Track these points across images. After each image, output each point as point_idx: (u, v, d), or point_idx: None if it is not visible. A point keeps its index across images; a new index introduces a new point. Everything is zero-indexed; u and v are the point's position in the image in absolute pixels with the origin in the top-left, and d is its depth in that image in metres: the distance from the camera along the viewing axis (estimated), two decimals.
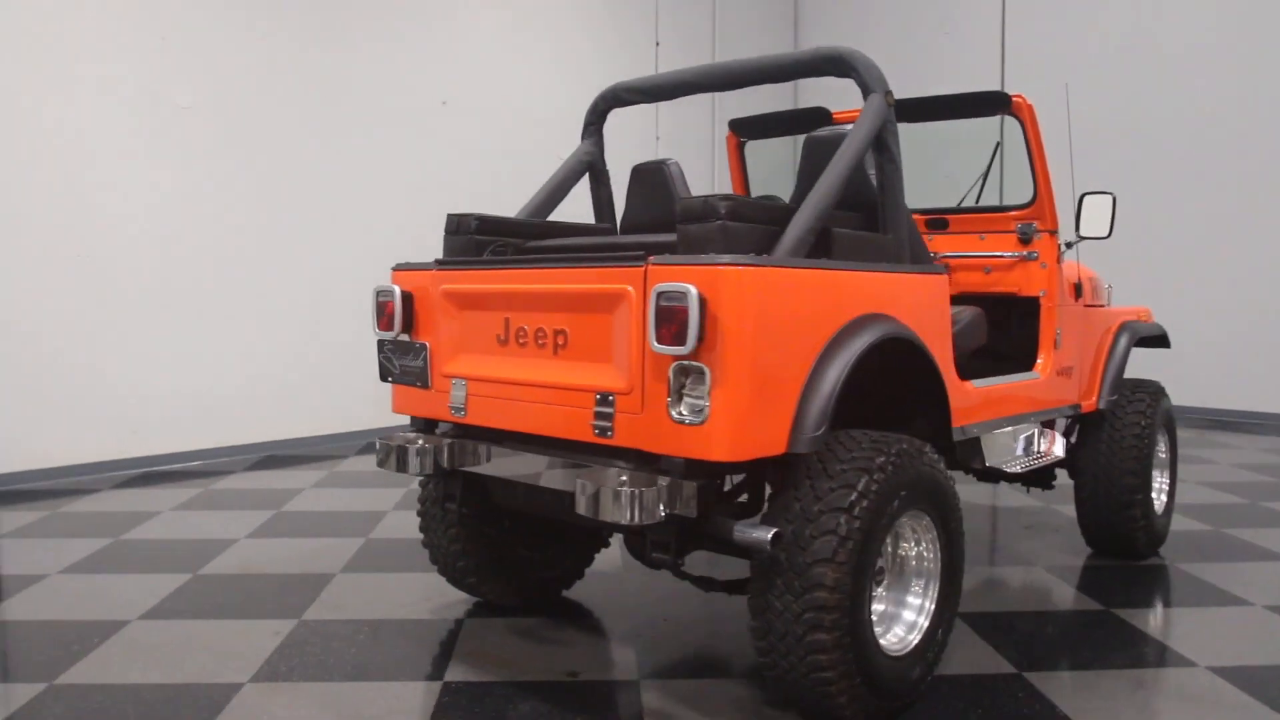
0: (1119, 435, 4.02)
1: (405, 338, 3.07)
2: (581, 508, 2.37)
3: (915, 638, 2.70)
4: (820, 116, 4.00)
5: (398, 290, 3.03)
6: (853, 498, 2.44)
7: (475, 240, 3.06)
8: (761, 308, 2.34)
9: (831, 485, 2.46)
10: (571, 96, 8.16)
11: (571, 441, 2.66)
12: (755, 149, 4.39)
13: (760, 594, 2.48)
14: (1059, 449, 3.71)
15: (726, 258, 2.32)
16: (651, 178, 3.47)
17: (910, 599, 2.79)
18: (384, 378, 3.16)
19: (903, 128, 3.90)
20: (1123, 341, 4.11)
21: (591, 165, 3.62)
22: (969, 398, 3.15)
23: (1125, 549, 4.13)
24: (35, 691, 2.76)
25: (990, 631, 3.33)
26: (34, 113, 5.52)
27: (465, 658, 3.06)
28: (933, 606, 2.76)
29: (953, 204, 4.02)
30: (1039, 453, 3.65)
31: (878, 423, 3.09)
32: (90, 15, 5.71)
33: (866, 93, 2.88)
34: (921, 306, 2.89)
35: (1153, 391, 4.13)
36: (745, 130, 4.21)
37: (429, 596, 3.65)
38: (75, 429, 5.74)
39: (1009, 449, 3.49)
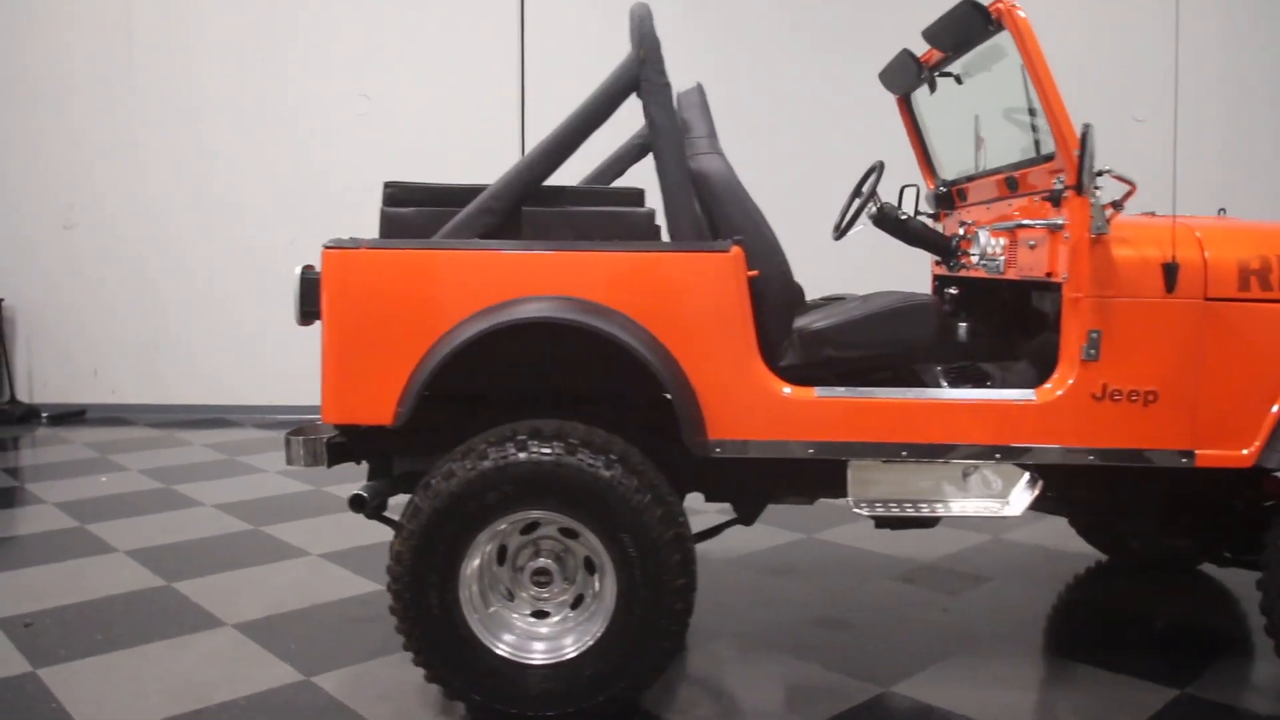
0: None
1: None
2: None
3: (548, 657, 2.49)
4: (907, 59, 3.28)
5: None
6: (433, 480, 2.45)
7: None
8: (351, 288, 2.52)
9: (441, 463, 2.49)
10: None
11: None
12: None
13: None
14: (1014, 506, 2.48)
15: (344, 241, 2.58)
16: None
17: (567, 614, 2.55)
18: None
19: None
20: None
21: (645, 148, 3.68)
22: (782, 407, 2.50)
23: None
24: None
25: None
26: None
27: None
28: (591, 638, 2.46)
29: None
30: (969, 501, 2.51)
31: None
32: None
33: None
34: (658, 290, 2.49)
35: None
36: (891, 84, 3.60)
37: None
38: None
39: (903, 487, 2.54)
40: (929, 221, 3.69)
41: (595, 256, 2.52)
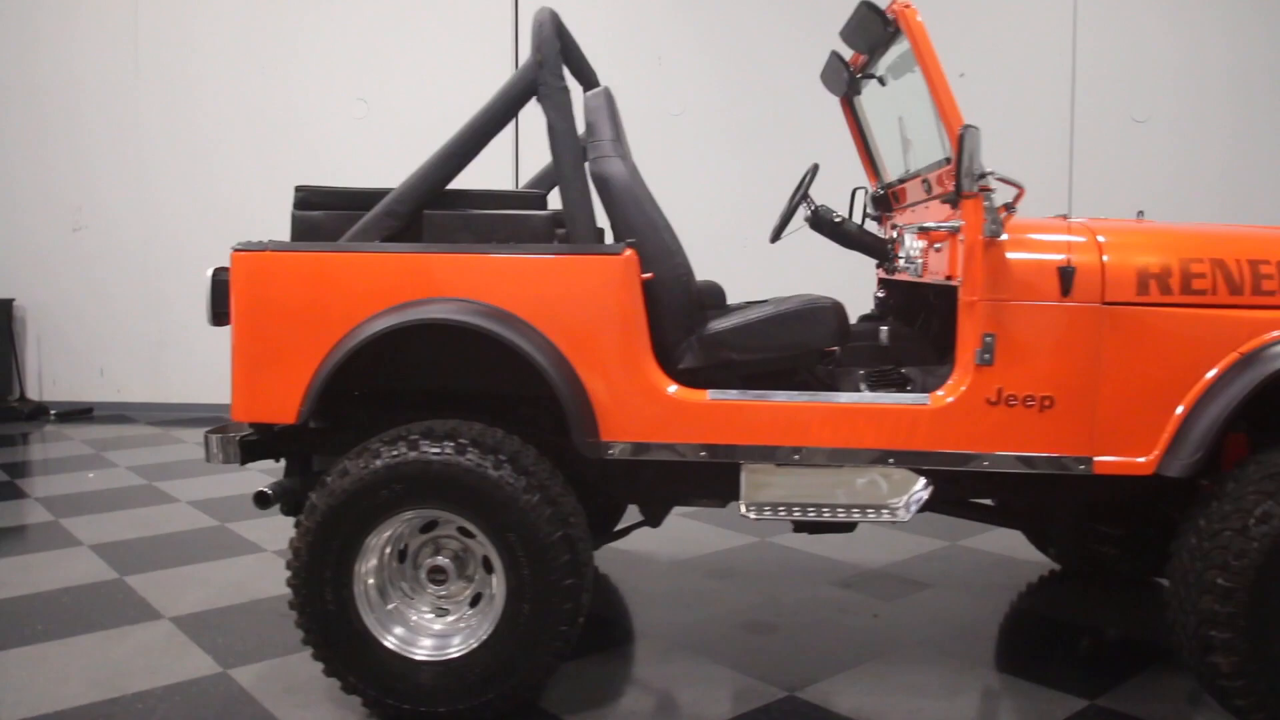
0: (1214, 527, 2.38)
1: None
2: None
3: (439, 654, 2.52)
4: (836, 61, 3.27)
5: None
6: (329, 478, 2.50)
7: None
8: (259, 289, 2.60)
9: (338, 462, 2.54)
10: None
11: None
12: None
13: None
14: (906, 511, 2.46)
15: (253, 244, 2.64)
16: None
17: (464, 612, 2.60)
18: None
19: None
20: (1243, 378, 2.36)
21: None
22: (675, 410, 2.51)
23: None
24: None
25: None
26: None
27: None
28: (482, 636, 2.49)
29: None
30: (858, 506, 2.49)
31: None
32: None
33: None
34: (552, 292, 2.52)
35: None
36: (829, 85, 3.59)
37: None
38: None
39: (796, 491, 2.53)
40: (874, 224, 3.67)
41: (489, 259, 2.55)
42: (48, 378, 7.50)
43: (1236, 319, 2.43)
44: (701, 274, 3.18)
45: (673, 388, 2.53)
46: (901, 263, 3.10)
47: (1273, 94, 6.69)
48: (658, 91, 7.18)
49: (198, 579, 3.69)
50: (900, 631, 3.21)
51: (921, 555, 4.03)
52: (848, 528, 2.77)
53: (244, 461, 2.76)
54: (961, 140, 2.33)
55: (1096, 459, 2.46)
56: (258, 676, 2.83)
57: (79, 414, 7.33)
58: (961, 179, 2.34)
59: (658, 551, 4.04)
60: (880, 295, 3.31)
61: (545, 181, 3.44)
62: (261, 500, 2.66)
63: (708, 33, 7.25)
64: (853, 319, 3.02)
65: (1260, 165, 6.70)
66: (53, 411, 7.32)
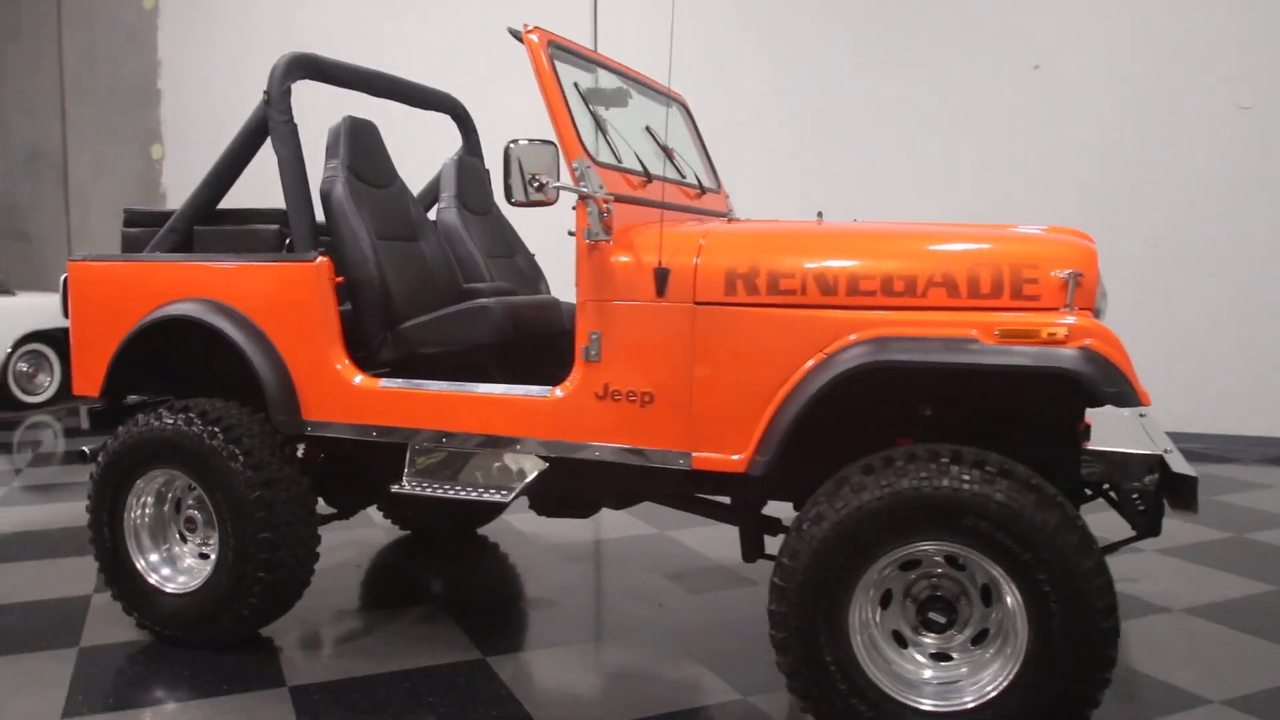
0: (791, 532, 2.41)
1: None
2: None
3: (178, 589, 3.08)
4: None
5: None
6: (109, 441, 3.14)
7: None
8: (86, 292, 3.29)
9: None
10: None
11: None
12: None
13: None
14: (512, 493, 2.62)
15: (81, 255, 3.35)
16: None
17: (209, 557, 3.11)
18: None
19: None
20: (820, 378, 2.34)
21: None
22: (357, 395, 2.89)
23: None
24: None
25: None
26: None
27: None
28: (205, 576, 3.01)
29: None
30: (483, 487, 2.68)
31: None
32: None
33: None
34: (265, 293, 3.00)
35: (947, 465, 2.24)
36: None
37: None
38: None
39: (445, 469, 2.78)
40: None
41: (225, 266, 3.08)
42: None
43: (824, 320, 2.41)
44: None
45: (357, 377, 2.92)
46: None
47: None
48: (722, 100, 7.35)
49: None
50: (660, 621, 3.33)
51: None
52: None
53: (94, 426, 3.48)
54: (505, 155, 2.52)
55: (695, 455, 2.54)
56: (105, 601, 3.52)
57: None
58: (509, 189, 2.52)
59: (549, 534, 4.34)
60: None
61: (427, 196, 3.95)
62: (82, 456, 3.36)
63: (768, 42, 7.32)
64: None
65: None
66: None
